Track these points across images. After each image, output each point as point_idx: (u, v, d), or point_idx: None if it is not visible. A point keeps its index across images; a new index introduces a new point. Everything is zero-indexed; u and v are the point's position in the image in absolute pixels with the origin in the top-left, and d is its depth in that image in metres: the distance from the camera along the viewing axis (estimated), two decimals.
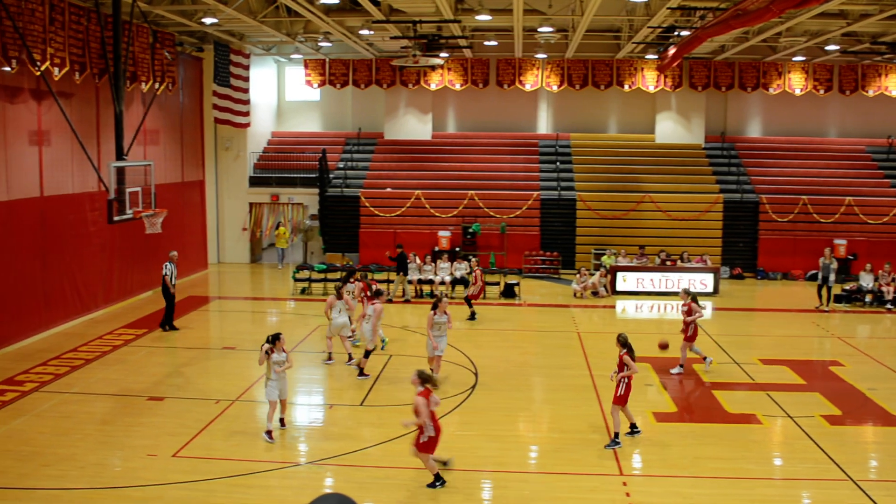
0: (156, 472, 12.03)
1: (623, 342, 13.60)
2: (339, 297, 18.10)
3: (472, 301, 23.65)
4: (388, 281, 26.56)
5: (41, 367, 17.71)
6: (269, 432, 13.57)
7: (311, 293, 26.69)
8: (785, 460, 13.04)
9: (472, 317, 23.13)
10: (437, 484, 11.66)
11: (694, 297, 18.29)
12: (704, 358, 18.12)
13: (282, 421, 14.12)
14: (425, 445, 11.58)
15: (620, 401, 13.45)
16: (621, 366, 13.44)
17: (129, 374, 17.50)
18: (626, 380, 13.41)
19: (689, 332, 17.94)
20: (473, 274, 24.07)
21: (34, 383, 16.45)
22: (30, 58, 17.86)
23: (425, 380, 11.70)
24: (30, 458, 12.59)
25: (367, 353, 17.25)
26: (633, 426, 13.85)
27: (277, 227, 32.07)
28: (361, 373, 17.08)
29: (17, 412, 14.76)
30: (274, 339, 13.60)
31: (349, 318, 18.43)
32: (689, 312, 17.95)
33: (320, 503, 3.66)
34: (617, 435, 13.44)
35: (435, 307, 16.54)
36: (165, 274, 21.08)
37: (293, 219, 33.27)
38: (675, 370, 17.84)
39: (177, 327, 21.55)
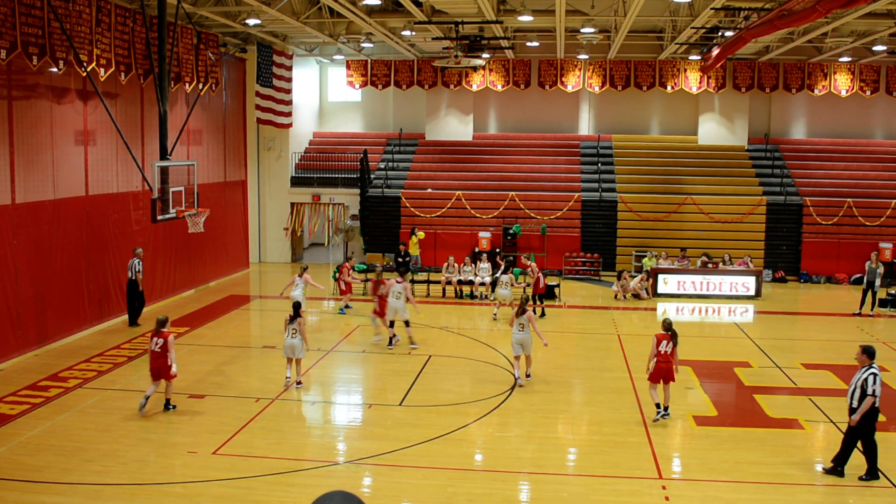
0: (196, 470, 12.15)
1: (665, 326, 14.64)
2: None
3: (542, 295, 23.92)
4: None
5: (84, 363, 17.97)
6: (288, 378, 16.45)
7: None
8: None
9: (542, 314, 23.35)
10: None
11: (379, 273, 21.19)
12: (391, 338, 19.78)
13: (298, 381, 16.48)
14: None
15: (650, 378, 14.62)
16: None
17: None
18: (654, 360, 14.40)
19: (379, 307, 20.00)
20: (530, 269, 24.01)
21: (78, 380, 16.69)
22: (76, 59, 18.11)
23: None
24: (73, 453, 12.77)
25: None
26: (658, 407, 14.62)
27: (413, 234, 30.73)
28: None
29: (60, 408, 14.98)
30: (296, 309, 16.45)
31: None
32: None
33: (324, 501, 3.64)
34: (659, 406, 14.60)
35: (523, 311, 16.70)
36: (139, 271, 21.34)
37: (334, 219, 33.44)
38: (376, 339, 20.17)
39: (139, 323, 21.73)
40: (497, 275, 23.93)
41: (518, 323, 16.55)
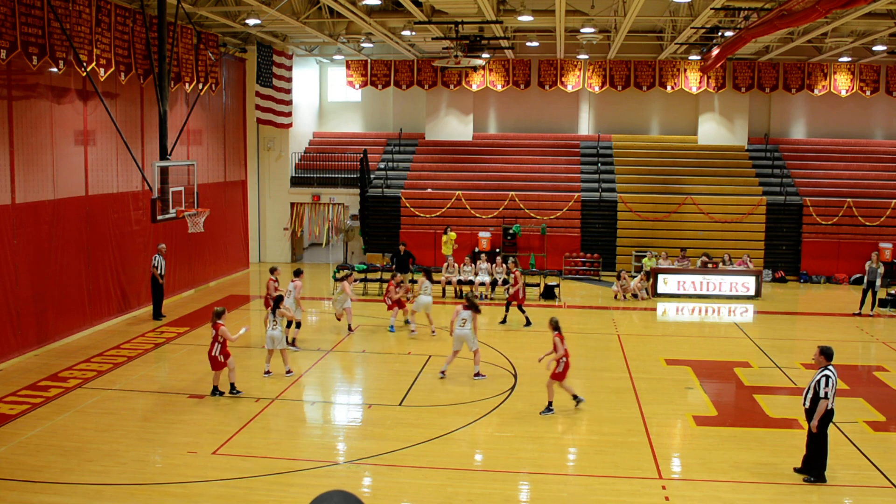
0: (196, 470, 12.15)
1: (555, 325, 15.09)
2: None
3: (522, 305, 22.49)
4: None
5: (84, 363, 17.96)
6: (266, 372, 17.20)
7: None
8: (827, 466, 12.84)
9: (528, 323, 22.29)
10: None
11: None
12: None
13: (288, 371, 17.20)
14: None
15: (558, 377, 14.88)
16: (555, 347, 14.85)
17: (171, 372, 17.71)
18: (565, 359, 14.80)
19: None
20: (513, 275, 22.65)
21: (77, 380, 16.68)
22: (76, 59, 18.11)
23: None
24: (73, 453, 12.77)
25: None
26: (575, 396, 15.31)
27: (446, 232, 30.11)
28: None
29: (60, 408, 14.97)
30: (277, 302, 17.21)
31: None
32: None
33: (323, 501, 3.63)
34: (551, 404, 15.00)
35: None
36: (155, 266, 22.23)
37: (334, 219, 33.44)
38: None
39: (164, 314, 22.74)
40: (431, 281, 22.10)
41: (461, 318, 16.95)
